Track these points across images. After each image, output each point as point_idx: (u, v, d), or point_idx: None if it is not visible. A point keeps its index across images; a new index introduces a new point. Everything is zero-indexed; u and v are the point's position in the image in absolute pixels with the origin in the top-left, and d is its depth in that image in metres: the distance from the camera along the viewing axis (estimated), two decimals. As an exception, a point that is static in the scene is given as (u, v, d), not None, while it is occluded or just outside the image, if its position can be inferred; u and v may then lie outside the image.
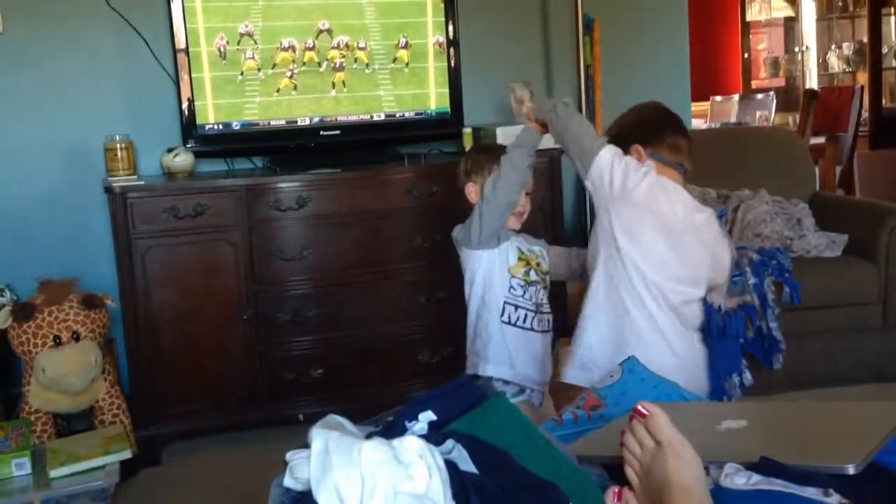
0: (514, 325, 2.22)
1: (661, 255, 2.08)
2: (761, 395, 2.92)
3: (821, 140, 5.38)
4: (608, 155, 2.08)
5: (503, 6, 3.69)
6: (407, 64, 3.27)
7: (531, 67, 3.73)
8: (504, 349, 2.21)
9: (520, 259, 2.26)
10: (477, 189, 2.24)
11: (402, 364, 3.08)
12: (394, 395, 2.66)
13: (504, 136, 3.24)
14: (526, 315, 2.23)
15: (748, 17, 7.91)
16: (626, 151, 2.13)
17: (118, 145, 2.95)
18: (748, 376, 2.93)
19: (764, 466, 1.16)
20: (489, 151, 2.34)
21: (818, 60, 7.39)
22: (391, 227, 3.06)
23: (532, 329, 2.24)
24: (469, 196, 2.28)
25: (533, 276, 2.27)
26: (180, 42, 2.99)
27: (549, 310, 2.32)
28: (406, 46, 3.26)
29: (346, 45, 3.19)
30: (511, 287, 2.22)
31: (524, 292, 2.24)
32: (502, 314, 2.21)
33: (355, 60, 3.21)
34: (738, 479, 1.16)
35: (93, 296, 2.74)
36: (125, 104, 3.20)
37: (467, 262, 2.27)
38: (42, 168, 3.14)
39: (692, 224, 2.13)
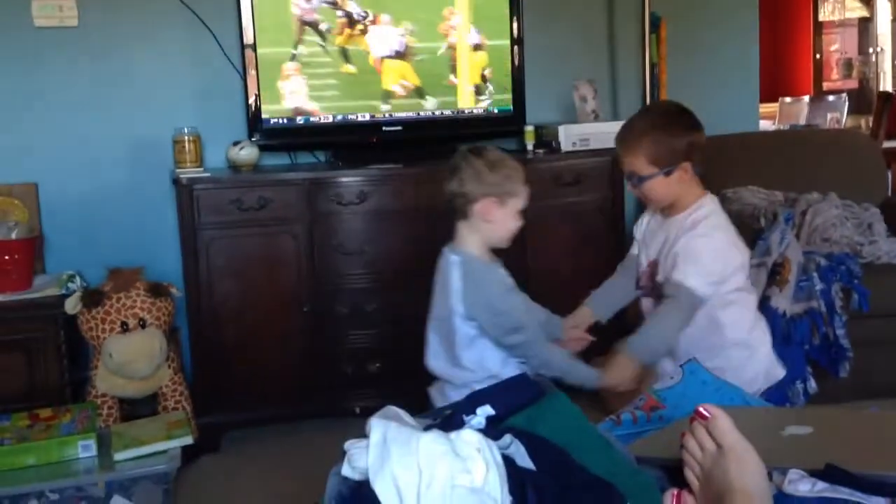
0: None
1: None
2: (826, 403, 2.84)
3: (894, 144, 5.23)
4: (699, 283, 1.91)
5: (569, 3, 3.66)
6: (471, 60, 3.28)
7: (596, 65, 3.70)
8: None
9: None
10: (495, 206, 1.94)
11: (459, 361, 3.08)
12: (450, 391, 2.66)
13: (566, 134, 3.22)
14: None
15: (820, 17, 7.71)
16: (670, 171, 1.98)
17: (186, 138, 3.01)
18: (812, 384, 2.87)
19: (830, 474, 1.13)
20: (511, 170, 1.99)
21: (893, 62, 7.17)
22: (451, 223, 3.05)
23: None
24: (485, 214, 1.95)
25: None
26: (248, 37, 3.03)
27: None
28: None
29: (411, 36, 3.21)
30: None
31: None
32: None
33: (420, 55, 3.23)
34: (803, 486, 1.13)
35: (159, 284, 2.80)
36: (193, 98, 3.27)
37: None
38: (113, 159, 3.22)
39: None
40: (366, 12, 3.14)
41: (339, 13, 3.12)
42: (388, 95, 3.22)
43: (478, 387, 1.86)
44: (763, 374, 2.11)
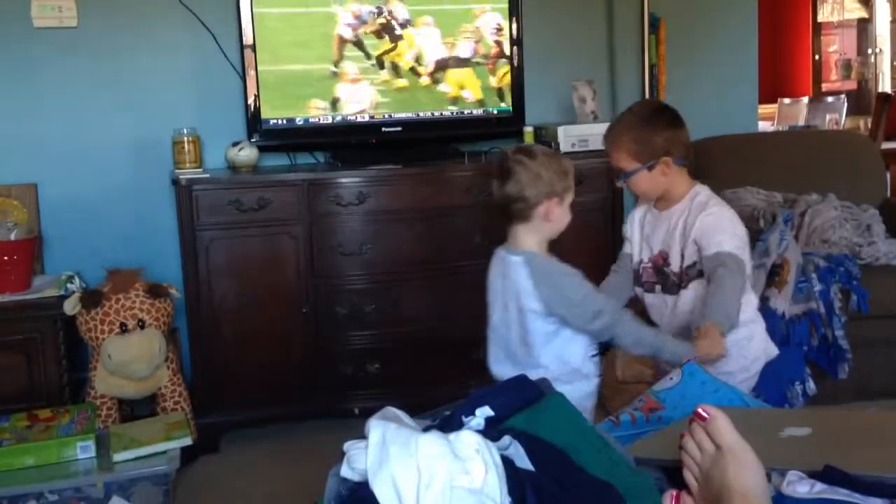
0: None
1: None
2: (825, 405, 2.85)
3: (893, 145, 5.24)
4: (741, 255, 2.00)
5: (568, 4, 3.67)
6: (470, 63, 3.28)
7: (595, 66, 3.70)
8: None
9: None
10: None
11: (458, 362, 3.07)
12: (448, 392, 2.64)
13: (565, 134, 3.23)
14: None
15: (819, 18, 7.71)
16: (652, 166, 2.05)
17: (185, 139, 3.01)
18: (811, 385, 2.87)
19: (828, 475, 1.13)
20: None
21: (892, 63, 7.17)
22: (450, 224, 3.06)
23: None
24: (548, 215, 1.93)
25: None
26: (248, 38, 3.04)
27: None
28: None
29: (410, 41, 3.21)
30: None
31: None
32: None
33: (420, 58, 3.23)
34: (801, 488, 1.13)
35: (158, 285, 2.80)
36: (193, 98, 3.27)
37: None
38: (112, 160, 3.22)
39: None
40: (379, 8, 3.15)
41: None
42: (452, 103, 3.28)
43: (558, 384, 1.89)
44: (763, 352, 2.15)
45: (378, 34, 3.17)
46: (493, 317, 2.03)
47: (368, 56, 3.17)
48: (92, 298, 2.71)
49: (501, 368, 2.02)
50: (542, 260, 1.95)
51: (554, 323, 1.91)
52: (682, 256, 2.07)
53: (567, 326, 1.91)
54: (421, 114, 3.24)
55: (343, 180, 2.98)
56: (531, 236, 1.95)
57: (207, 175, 2.96)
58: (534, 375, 1.89)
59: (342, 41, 3.14)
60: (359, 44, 3.15)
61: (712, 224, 2.02)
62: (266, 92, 3.06)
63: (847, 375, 2.89)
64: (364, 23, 3.15)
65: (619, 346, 1.97)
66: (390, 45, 3.19)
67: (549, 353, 1.93)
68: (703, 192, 2.11)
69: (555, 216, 1.93)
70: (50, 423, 2.46)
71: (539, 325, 1.92)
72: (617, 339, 1.92)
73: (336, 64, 3.14)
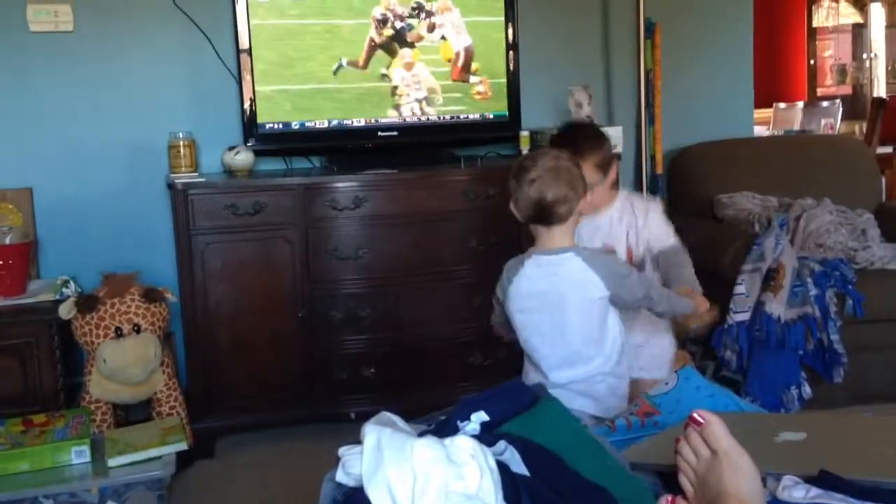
0: None
1: None
2: (820, 409, 2.85)
3: (888, 149, 5.25)
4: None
5: (563, 9, 3.67)
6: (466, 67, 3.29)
7: (591, 71, 3.71)
8: None
9: None
10: None
11: (454, 366, 3.08)
12: (444, 396, 2.65)
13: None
14: None
15: (815, 23, 7.74)
16: (607, 174, 2.24)
17: (181, 143, 3.00)
18: (807, 389, 2.88)
19: (823, 480, 1.13)
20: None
21: (887, 68, 7.20)
22: (446, 228, 3.06)
23: None
24: (584, 205, 2.00)
25: None
26: (243, 42, 3.03)
27: None
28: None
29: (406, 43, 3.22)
30: None
31: None
32: None
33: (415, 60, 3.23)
34: (797, 493, 1.13)
35: (154, 289, 2.80)
36: (189, 102, 3.26)
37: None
38: (108, 164, 3.21)
39: None
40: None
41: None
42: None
43: (619, 368, 1.99)
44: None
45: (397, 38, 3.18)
46: (542, 323, 1.98)
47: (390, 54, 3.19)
48: (87, 303, 2.70)
49: (558, 374, 1.98)
50: (586, 250, 2.00)
51: (608, 304, 1.96)
52: (630, 251, 2.29)
53: (614, 303, 1.97)
54: (416, 118, 3.25)
55: (339, 185, 2.98)
56: (567, 234, 1.98)
57: (203, 179, 2.96)
58: (597, 367, 1.96)
59: (372, 43, 3.17)
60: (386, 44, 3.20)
61: (660, 222, 2.31)
62: (262, 98, 3.07)
63: (842, 379, 2.90)
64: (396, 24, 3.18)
65: (650, 309, 2.06)
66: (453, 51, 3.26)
67: (608, 336, 1.97)
68: (633, 196, 2.38)
69: (586, 207, 2.01)
70: (45, 428, 2.45)
71: (602, 311, 1.96)
72: (651, 303, 2.00)
73: (365, 65, 3.19)
